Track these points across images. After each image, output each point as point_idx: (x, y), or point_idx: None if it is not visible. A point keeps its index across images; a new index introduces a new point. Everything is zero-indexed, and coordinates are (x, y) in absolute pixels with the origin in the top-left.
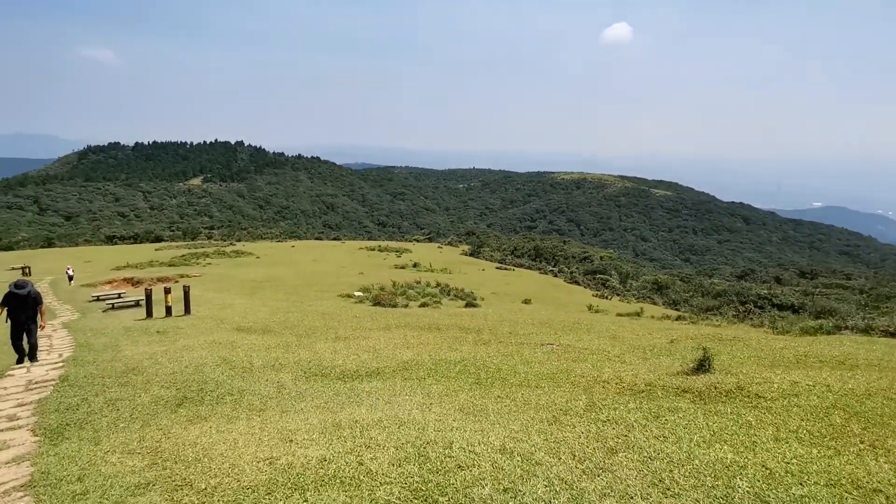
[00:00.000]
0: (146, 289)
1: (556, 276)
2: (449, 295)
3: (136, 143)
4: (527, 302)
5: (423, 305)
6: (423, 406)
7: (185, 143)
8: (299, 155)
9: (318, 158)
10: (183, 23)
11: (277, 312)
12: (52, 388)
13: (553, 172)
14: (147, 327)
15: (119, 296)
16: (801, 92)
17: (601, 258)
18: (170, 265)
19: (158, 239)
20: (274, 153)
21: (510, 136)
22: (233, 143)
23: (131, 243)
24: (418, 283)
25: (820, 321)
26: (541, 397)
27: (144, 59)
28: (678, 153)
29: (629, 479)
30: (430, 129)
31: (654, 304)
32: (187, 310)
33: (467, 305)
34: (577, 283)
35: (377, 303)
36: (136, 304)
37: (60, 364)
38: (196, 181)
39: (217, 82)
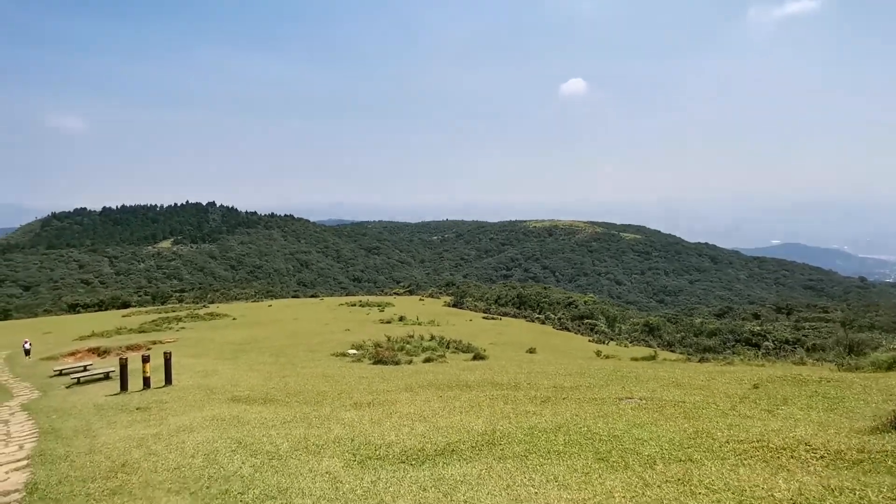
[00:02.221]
0: (120, 358)
1: (543, 323)
2: (449, 348)
3: (104, 208)
4: (531, 351)
5: (428, 360)
6: None
7: (156, 205)
8: (272, 213)
9: (291, 216)
10: (151, 87)
11: (272, 377)
12: None
13: (525, 221)
14: (124, 404)
15: (85, 368)
16: (749, 137)
17: (585, 303)
18: (140, 332)
19: (126, 305)
20: (246, 212)
21: (481, 187)
22: (204, 203)
23: (96, 311)
24: (411, 336)
25: (893, 354)
26: (739, 481)
27: (112, 124)
28: (639, 200)
29: None
30: (403, 185)
31: (649, 346)
32: (168, 380)
33: (475, 358)
34: (567, 329)
35: (378, 360)
36: (106, 376)
37: (24, 461)
38: (166, 244)
39: (188, 145)
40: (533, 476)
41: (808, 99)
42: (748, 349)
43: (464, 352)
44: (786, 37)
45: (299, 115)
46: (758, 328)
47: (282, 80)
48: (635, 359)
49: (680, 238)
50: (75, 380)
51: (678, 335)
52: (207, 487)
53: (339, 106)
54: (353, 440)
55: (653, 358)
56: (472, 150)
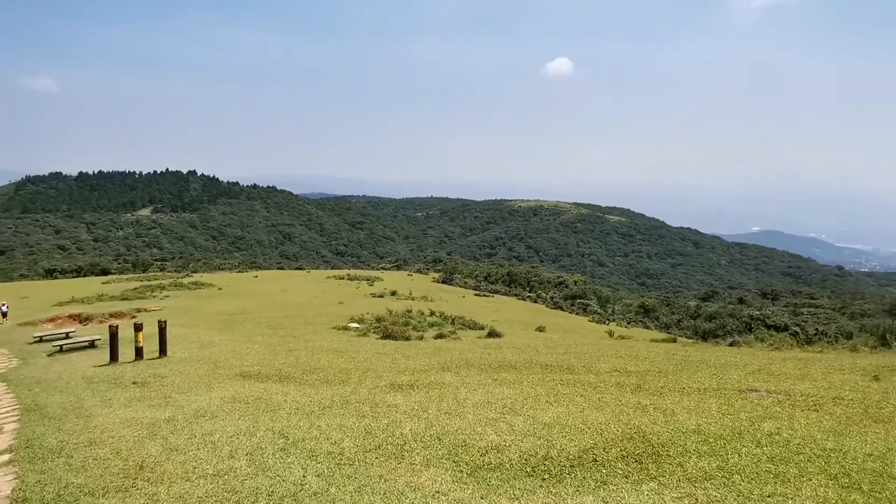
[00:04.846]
0: (110, 325)
1: (535, 301)
2: (455, 324)
3: (80, 173)
4: (541, 329)
5: (440, 336)
6: None
7: (134, 172)
8: (254, 184)
9: (273, 188)
10: (128, 53)
11: (277, 351)
12: None
13: (510, 200)
14: (117, 377)
15: (67, 335)
16: (736, 125)
17: (575, 282)
18: (122, 299)
19: (105, 272)
20: (228, 182)
21: (466, 166)
22: (185, 172)
23: (74, 277)
24: (410, 311)
25: None
26: None
27: (88, 88)
28: (626, 182)
29: None
30: (388, 160)
31: (647, 328)
32: (163, 350)
33: (490, 335)
34: (560, 308)
35: (387, 335)
36: (91, 344)
37: (5, 454)
38: (145, 212)
39: (169, 111)
40: None
41: (791, 89)
42: (769, 333)
43: (471, 328)
44: (767, 23)
45: (282, 87)
46: (756, 313)
47: (264, 51)
48: (655, 340)
49: (663, 222)
50: (58, 347)
51: (674, 317)
52: None
53: (321, 80)
54: (439, 439)
55: (673, 341)
56: (458, 128)
